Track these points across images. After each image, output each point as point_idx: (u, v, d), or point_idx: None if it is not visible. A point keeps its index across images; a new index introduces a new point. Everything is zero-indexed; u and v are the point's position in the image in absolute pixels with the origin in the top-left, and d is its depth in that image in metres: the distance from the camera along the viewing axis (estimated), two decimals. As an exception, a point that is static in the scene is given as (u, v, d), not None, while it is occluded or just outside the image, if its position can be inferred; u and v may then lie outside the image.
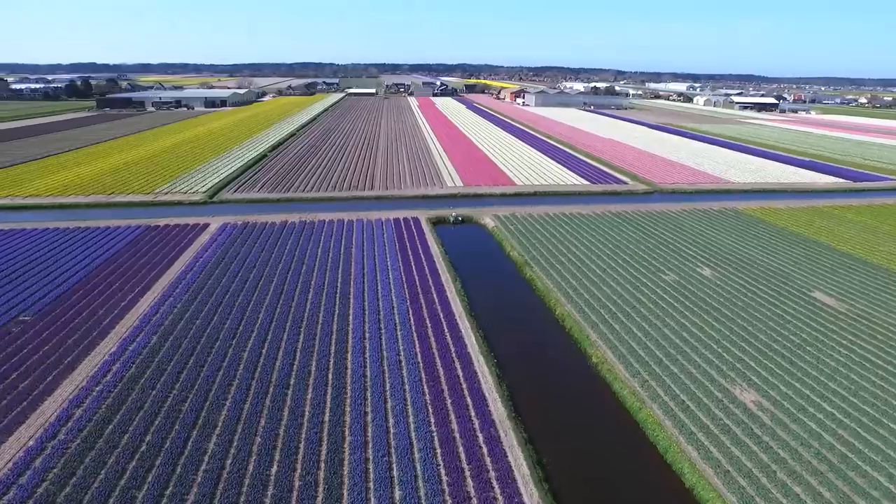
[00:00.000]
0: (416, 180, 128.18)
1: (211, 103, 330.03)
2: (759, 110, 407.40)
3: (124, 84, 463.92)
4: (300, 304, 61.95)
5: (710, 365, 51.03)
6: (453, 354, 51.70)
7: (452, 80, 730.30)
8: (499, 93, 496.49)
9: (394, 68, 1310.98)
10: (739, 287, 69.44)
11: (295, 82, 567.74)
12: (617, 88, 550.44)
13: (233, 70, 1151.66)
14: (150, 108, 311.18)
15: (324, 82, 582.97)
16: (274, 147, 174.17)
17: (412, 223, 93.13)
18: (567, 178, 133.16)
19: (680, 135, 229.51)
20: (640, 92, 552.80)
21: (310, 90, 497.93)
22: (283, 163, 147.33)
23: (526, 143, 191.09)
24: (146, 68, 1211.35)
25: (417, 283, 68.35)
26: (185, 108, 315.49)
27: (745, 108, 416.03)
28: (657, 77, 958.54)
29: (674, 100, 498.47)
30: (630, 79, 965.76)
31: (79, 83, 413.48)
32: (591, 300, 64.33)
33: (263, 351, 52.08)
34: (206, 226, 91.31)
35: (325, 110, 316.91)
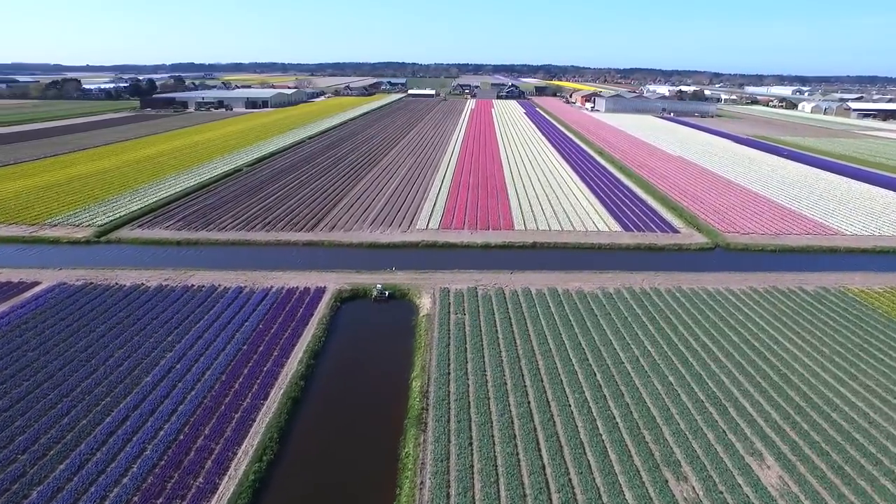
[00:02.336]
0: (382, 217, 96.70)
1: (252, 104, 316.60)
2: (885, 119, 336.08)
3: (188, 83, 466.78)
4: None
5: None
6: None
7: (532, 82, 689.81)
8: (570, 96, 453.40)
9: (476, 69, 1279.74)
10: (837, 537, 32.21)
11: (354, 82, 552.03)
12: (707, 92, 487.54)
13: (316, 69, 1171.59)
14: (191, 109, 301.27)
15: (388, 82, 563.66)
16: (260, 160, 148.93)
17: (308, 300, 61.82)
18: (593, 221, 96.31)
19: (773, 152, 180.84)
20: (733, 97, 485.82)
21: (369, 91, 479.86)
22: (246, 183, 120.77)
23: (565, 162, 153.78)
24: (238, 67, 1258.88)
25: (184, 462, 36.95)
26: (224, 109, 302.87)
27: (866, 116, 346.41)
28: (759, 80, 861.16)
29: (773, 106, 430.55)
30: (727, 81, 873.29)
31: (143, 83, 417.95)
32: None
33: None
34: (31, 286, 64.97)
35: (365, 113, 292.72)
